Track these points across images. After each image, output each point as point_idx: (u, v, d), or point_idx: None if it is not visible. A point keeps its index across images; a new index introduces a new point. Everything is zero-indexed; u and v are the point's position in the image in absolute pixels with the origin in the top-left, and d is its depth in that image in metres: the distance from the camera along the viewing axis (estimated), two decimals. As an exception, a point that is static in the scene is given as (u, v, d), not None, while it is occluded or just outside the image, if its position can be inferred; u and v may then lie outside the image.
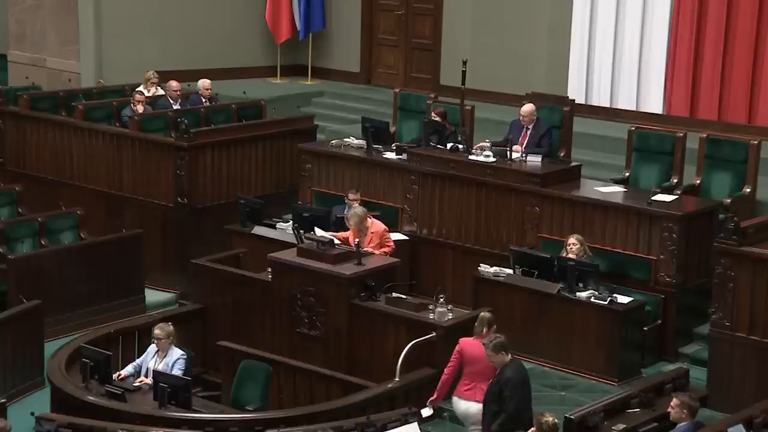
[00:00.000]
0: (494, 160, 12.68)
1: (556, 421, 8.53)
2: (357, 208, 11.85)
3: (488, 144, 12.86)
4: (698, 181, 12.79)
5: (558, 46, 16.08)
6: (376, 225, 11.81)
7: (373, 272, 11.00)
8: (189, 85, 16.10)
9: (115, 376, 10.11)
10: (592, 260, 11.56)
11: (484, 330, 9.65)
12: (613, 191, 12.34)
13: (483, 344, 9.32)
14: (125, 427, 9.13)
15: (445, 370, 9.75)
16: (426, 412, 9.74)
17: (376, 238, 11.68)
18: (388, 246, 11.74)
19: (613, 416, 9.36)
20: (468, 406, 9.62)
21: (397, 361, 10.13)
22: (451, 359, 9.72)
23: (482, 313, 9.90)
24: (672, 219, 11.55)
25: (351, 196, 12.85)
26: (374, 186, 13.43)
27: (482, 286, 11.73)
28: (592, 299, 11.23)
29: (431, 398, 9.77)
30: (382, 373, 10.43)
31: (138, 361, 10.40)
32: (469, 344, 9.69)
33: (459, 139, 13.12)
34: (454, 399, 9.74)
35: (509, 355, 9.23)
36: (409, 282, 12.30)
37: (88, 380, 9.98)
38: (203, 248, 12.74)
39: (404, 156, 13.30)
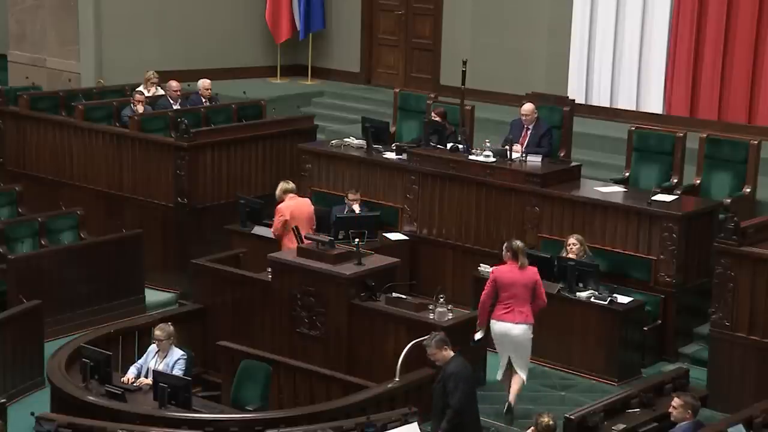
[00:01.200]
0: (494, 160, 12.68)
1: (552, 422, 8.51)
2: (283, 182, 12.20)
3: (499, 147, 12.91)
4: (698, 181, 12.80)
5: (558, 46, 16.07)
6: (282, 204, 12.03)
7: (373, 272, 10.99)
8: (189, 85, 16.09)
9: (123, 379, 10.10)
10: (592, 260, 11.56)
11: (509, 256, 10.20)
12: (613, 191, 12.34)
13: (424, 344, 9.37)
14: (125, 427, 9.12)
15: (482, 297, 10.32)
16: (478, 335, 10.44)
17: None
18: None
19: (613, 416, 9.36)
20: (508, 328, 10.20)
21: (397, 361, 10.12)
22: (486, 287, 10.33)
23: (514, 241, 10.35)
24: (672, 219, 11.56)
25: (351, 196, 12.87)
26: (374, 186, 13.43)
27: (482, 286, 11.69)
28: (592, 299, 11.24)
29: (478, 323, 10.28)
30: (382, 373, 10.42)
31: (140, 362, 10.36)
32: (502, 271, 10.24)
33: (459, 139, 13.12)
34: (492, 323, 10.22)
35: (451, 352, 9.26)
36: (409, 282, 12.31)
37: (88, 380, 9.97)
38: (203, 248, 12.73)
39: (404, 156, 13.30)
